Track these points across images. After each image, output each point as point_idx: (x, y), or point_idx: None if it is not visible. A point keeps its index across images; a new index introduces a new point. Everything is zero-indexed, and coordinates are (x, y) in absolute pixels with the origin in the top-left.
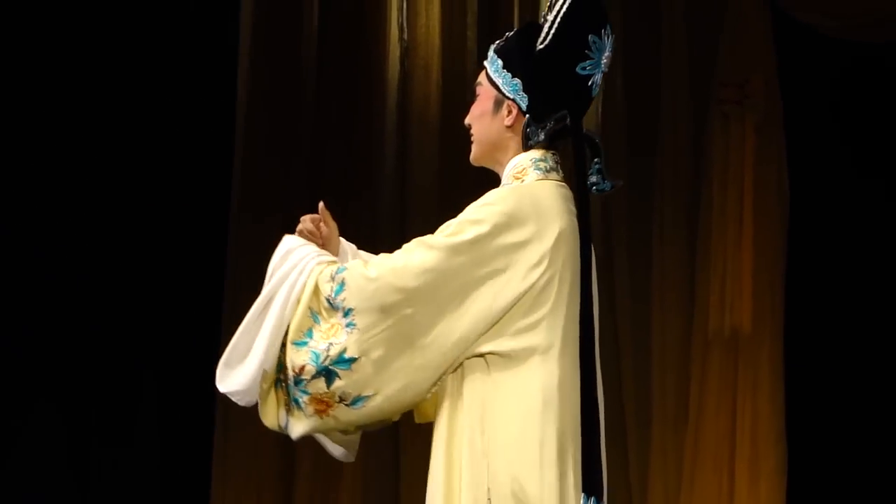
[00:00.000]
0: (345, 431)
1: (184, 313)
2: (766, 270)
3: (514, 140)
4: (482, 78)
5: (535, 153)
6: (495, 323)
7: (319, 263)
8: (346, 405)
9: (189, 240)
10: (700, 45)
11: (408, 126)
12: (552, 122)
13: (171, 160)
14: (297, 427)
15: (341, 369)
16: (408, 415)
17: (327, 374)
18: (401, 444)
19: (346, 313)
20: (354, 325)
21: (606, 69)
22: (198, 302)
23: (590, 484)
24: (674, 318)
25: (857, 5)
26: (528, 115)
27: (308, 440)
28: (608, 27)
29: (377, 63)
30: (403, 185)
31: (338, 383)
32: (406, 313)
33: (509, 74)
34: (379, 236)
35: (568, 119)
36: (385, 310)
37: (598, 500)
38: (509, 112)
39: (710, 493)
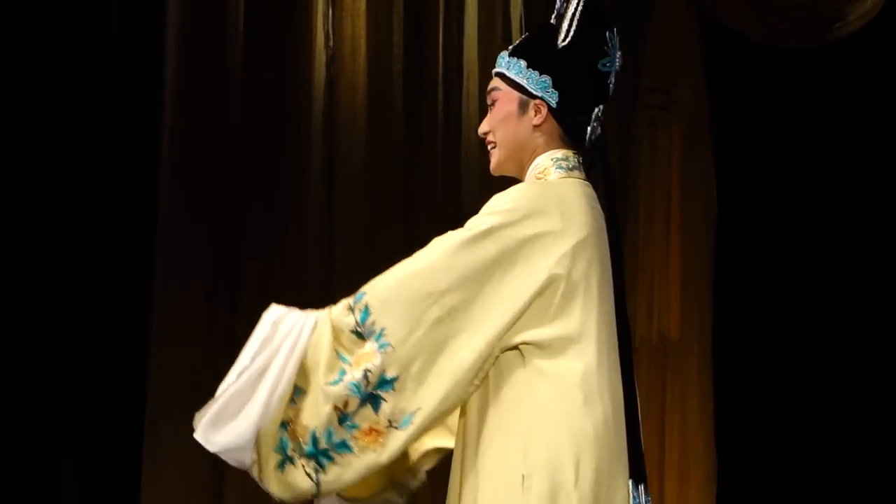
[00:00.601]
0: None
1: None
2: (693, 278)
3: (542, 139)
4: (498, 83)
5: (557, 152)
6: (523, 313)
7: (320, 313)
8: (396, 428)
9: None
10: (626, 51)
11: (335, 131)
12: (584, 118)
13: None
14: (346, 475)
15: (384, 391)
16: None
17: (372, 399)
18: None
19: (378, 336)
20: (388, 343)
21: (619, 68)
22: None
23: (636, 471)
24: None
25: (784, 12)
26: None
27: None
28: (614, 28)
29: (304, 69)
30: (331, 189)
31: (384, 407)
32: (436, 317)
33: (536, 73)
34: (306, 238)
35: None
36: (416, 318)
37: (646, 486)
38: (537, 111)
39: None
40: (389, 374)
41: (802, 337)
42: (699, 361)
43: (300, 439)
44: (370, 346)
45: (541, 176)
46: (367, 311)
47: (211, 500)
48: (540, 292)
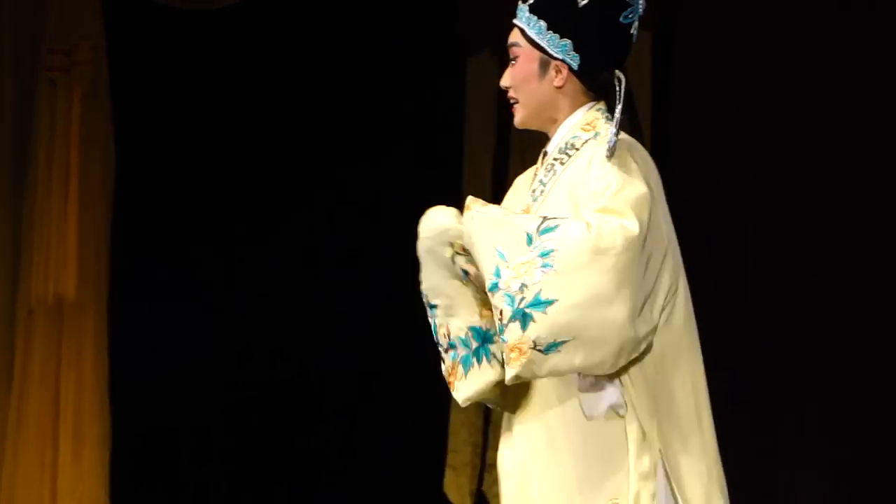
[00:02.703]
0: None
1: None
2: (91, 240)
3: (566, 99)
4: (518, 38)
5: (602, 104)
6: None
7: None
8: (541, 352)
9: None
10: (28, 11)
11: None
12: (607, 74)
13: None
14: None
15: (537, 311)
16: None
17: (523, 317)
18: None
19: (546, 253)
20: (551, 266)
21: (642, 12)
22: None
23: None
24: None
25: None
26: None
27: None
28: None
29: None
30: None
31: (532, 328)
32: (609, 270)
33: (556, 35)
34: None
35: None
36: (589, 264)
37: None
38: (557, 72)
39: (33, 465)
40: (545, 297)
41: (202, 296)
42: (95, 324)
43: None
44: (534, 257)
45: (589, 128)
46: (551, 230)
47: None
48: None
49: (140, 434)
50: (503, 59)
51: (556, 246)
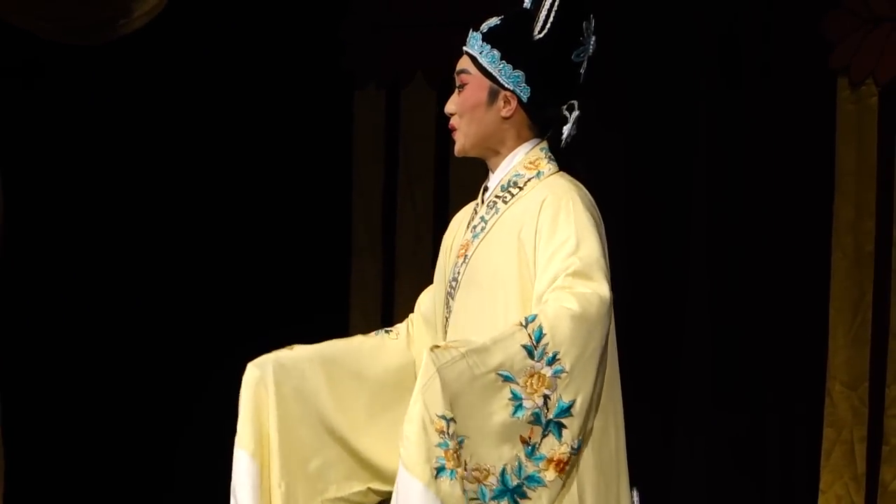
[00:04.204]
0: None
1: None
2: None
3: (511, 131)
4: (468, 66)
5: (544, 143)
6: None
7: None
8: (574, 453)
9: None
10: None
11: None
12: (553, 110)
13: None
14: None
15: (565, 418)
16: None
17: (555, 427)
18: None
19: (551, 359)
20: (563, 369)
21: (592, 53)
22: None
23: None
24: None
25: (69, 10)
26: (528, 106)
27: None
28: (591, 14)
29: None
30: None
31: (566, 434)
32: (598, 340)
33: (510, 66)
34: None
35: (564, 109)
36: (585, 347)
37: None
38: (506, 103)
39: None
40: (566, 400)
41: (87, 333)
42: None
43: (482, 483)
44: (543, 368)
45: (532, 167)
46: (541, 332)
47: None
48: None
49: (35, 467)
50: (389, 92)
51: (557, 346)
